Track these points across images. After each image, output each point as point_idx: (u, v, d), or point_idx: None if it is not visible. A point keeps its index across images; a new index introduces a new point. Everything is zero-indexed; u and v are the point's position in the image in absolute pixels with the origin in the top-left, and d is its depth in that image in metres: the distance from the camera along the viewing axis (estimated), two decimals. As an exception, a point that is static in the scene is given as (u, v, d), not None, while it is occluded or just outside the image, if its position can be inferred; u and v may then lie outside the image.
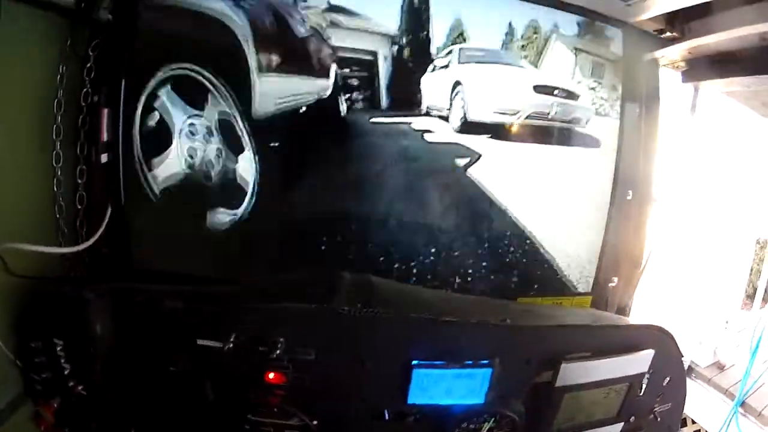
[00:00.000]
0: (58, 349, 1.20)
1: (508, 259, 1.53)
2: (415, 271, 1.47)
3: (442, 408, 1.14)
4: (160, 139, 1.42)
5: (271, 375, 1.12)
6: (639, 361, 1.26)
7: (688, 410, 4.12)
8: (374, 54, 1.41)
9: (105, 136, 1.38)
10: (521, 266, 1.54)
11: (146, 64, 1.38)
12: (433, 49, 1.42)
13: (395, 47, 1.41)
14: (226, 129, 1.45)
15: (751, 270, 4.32)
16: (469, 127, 1.50)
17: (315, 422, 1.13)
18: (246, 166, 1.47)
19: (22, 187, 1.28)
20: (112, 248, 1.43)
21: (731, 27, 1.32)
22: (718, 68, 1.52)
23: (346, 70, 1.40)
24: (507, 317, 1.11)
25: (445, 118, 1.50)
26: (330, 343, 1.09)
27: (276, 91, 1.42)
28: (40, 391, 1.25)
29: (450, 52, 1.44)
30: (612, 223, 1.55)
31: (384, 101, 1.43)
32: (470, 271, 1.51)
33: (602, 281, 1.60)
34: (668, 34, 1.45)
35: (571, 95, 1.53)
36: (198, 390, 1.16)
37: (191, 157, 1.45)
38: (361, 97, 1.43)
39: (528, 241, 1.54)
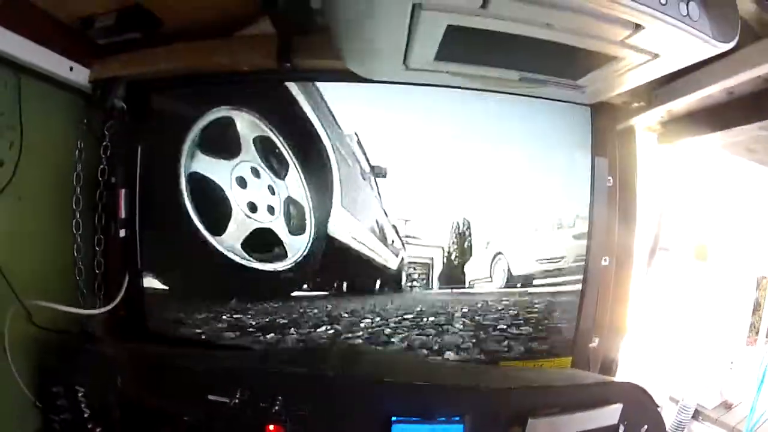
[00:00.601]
0: (80, 395, 1.35)
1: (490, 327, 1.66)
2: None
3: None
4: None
5: (272, 427, 1.28)
6: (607, 415, 1.35)
7: None
8: (431, 258, 1.65)
9: (123, 214, 1.51)
10: (502, 333, 1.65)
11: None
12: (474, 252, 1.65)
13: (446, 253, 1.64)
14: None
15: (759, 306, 4.24)
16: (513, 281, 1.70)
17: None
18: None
19: (46, 251, 1.44)
20: (129, 311, 1.56)
21: (696, 89, 1.38)
22: (690, 128, 1.59)
23: (411, 269, 1.65)
24: (478, 382, 1.25)
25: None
26: (321, 402, 1.25)
27: (351, 227, 1.59)
28: (58, 430, 1.39)
29: (488, 243, 1.66)
30: (587, 288, 1.65)
31: (435, 285, 1.66)
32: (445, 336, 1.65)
33: (581, 343, 1.67)
34: (635, 105, 1.54)
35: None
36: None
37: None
38: (418, 284, 1.65)
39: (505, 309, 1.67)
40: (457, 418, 1.24)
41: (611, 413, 1.35)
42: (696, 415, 4.04)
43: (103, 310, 1.50)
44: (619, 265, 1.68)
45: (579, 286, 1.66)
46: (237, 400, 1.26)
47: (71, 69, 1.39)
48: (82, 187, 1.50)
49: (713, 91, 1.36)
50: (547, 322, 1.68)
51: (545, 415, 1.29)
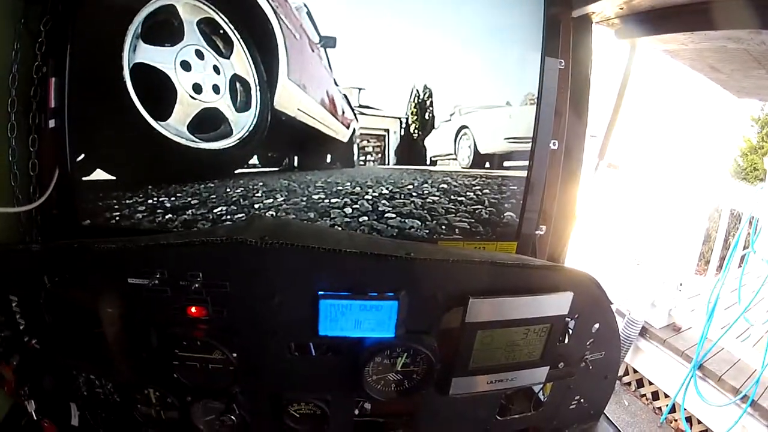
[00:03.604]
0: (14, 305, 1.28)
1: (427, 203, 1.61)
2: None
3: (355, 341, 1.19)
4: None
5: (193, 309, 1.18)
6: (556, 303, 1.27)
7: (644, 370, 4.18)
8: (386, 130, 1.62)
9: (52, 103, 1.44)
10: (440, 211, 1.60)
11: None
12: (436, 123, 1.60)
13: (404, 125, 1.60)
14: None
15: (709, 237, 4.33)
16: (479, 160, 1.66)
17: (235, 355, 1.20)
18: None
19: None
20: (61, 209, 1.50)
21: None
22: (651, 24, 1.53)
23: (364, 142, 1.61)
24: (412, 252, 1.15)
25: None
26: (241, 275, 1.14)
27: (298, 99, 1.55)
28: (1, 352, 1.33)
29: (452, 114, 1.60)
30: (534, 170, 1.57)
31: (391, 160, 1.63)
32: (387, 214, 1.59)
33: (527, 228, 1.61)
34: (596, -12, 1.47)
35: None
36: (132, 329, 1.23)
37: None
38: (371, 158, 1.62)
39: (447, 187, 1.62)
40: (391, 294, 1.15)
41: (562, 301, 1.28)
42: (643, 332, 4.14)
43: (29, 206, 1.45)
44: (568, 152, 1.61)
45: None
46: (156, 281, 1.15)
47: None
48: (17, 89, 1.42)
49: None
50: (494, 202, 1.62)
51: (489, 295, 1.20)
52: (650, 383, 4.32)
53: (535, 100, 1.56)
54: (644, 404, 4.29)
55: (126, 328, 1.23)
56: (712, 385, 3.75)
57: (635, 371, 4.44)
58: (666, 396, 4.14)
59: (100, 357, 1.28)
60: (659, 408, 4.21)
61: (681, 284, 4.24)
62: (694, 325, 4.12)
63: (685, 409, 3.86)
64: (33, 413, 1.40)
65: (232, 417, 1.30)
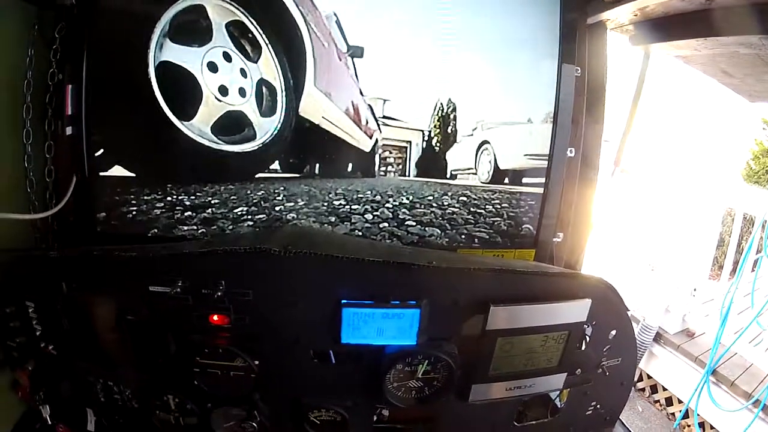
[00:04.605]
0: (30, 311, 1.28)
1: (447, 214, 1.61)
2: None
3: (376, 349, 1.20)
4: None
5: (215, 317, 1.19)
6: (575, 310, 1.28)
7: (658, 376, 4.14)
8: (409, 142, 1.63)
9: (69, 110, 1.44)
10: (460, 222, 1.61)
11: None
12: (458, 137, 1.61)
13: (426, 137, 1.61)
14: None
15: (722, 241, 4.29)
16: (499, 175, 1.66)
17: (257, 363, 1.21)
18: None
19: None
20: (78, 216, 1.50)
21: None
22: (665, 31, 1.54)
23: (386, 153, 1.63)
24: (433, 260, 1.16)
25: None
26: (264, 284, 1.16)
27: (323, 107, 1.56)
28: (16, 357, 1.35)
29: (474, 129, 1.61)
30: (552, 178, 1.58)
31: (412, 171, 1.64)
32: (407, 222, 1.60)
33: (545, 236, 1.61)
34: (610, -5, 1.47)
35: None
36: (153, 337, 1.24)
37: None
38: (392, 169, 1.63)
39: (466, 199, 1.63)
40: (413, 303, 1.15)
41: (580, 308, 1.28)
42: (657, 338, 4.11)
43: (46, 213, 1.44)
44: (584, 159, 1.61)
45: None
46: (178, 289, 1.16)
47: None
48: (33, 95, 1.43)
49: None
50: (512, 215, 1.63)
51: (509, 302, 1.20)
52: (664, 389, 4.28)
53: (556, 118, 1.57)
54: (658, 410, 4.25)
55: (146, 335, 1.25)
56: (724, 390, 3.72)
57: (649, 377, 4.40)
58: (679, 402, 4.10)
59: (118, 363, 1.30)
60: (672, 414, 4.18)
61: (695, 289, 4.21)
62: (708, 331, 4.09)
63: (698, 415, 3.82)
64: (48, 418, 1.41)
65: (253, 424, 1.30)
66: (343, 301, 1.14)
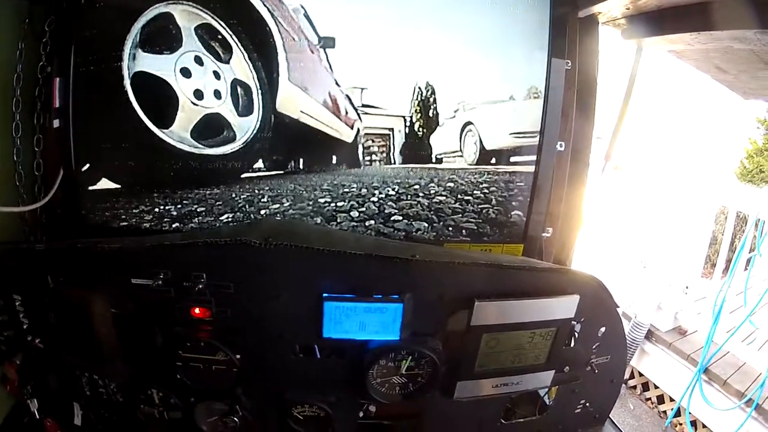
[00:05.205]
0: (17, 304, 1.27)
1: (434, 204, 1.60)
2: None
3: (359, 343, 1.19)
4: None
5: (197, 310, 1.18)
6: (563, 306, 1.26)
7: (650, 374, 4.16)
8: (391, 129, 1.61)
9: (57, 103, 1.43)
10: (447, 212, 1.59)
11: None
12: (441, 120, 1.58)
13: (408, 123, 1.59)
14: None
15: (715, 240, 4.30)
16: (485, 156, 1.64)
17: (239, 357, 1.19)
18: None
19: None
20: (65, 209, 1.49)
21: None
22: (658, 25, 1.52)
23: (369, 142, 1.61)
24: (417, 254, 1.14)
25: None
26: (246, 277, 1.14)
27: (300, 101, 1.55)
28: (4, 351, 1.34)
29: (456, 111, 1.59)
30: (541, 171, 1.56)
31: (397, 159, 1.62)
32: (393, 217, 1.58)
33: (534, 231, 1.59)
34: (601, -12, 1.45)
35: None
36: (137, 330, 1.23)
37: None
38: (377, 158, 1.61)
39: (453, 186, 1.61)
40: (396, 297, 1.14)
41: (568, 305, 1.27)
42: (649, 335, 4.12)
43: (34, 206, 1.44)
44: (575, 153, 1.60)
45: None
46: (160, 281, 1.15)
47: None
48: (22, 89, 1.42)
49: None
50: (501, 200, 1.61)
51: (494, 297, 1.19)
52: (656, 387, 4.29)
53: (539, 94, 1.55)
54: (649, 408, 4.26)
55: (129, 329, 1.23)
56: (717, 389, 3.73)
57: (641, 374, 4.41)
58: (671, 400, 4.11)
59: (103, 357, 1.28)
60: (664, 412, 4.18)
61: (687, 287, 4.22)
62: (700, 329, 4.10)
63: (690, 413, 3.83)
64: (36, 412, 1.40)
65: (235, 418, 1.29)
66: (324, 294, 1.12)
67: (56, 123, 1.45)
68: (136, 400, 1.34)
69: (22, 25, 1.41)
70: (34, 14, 1.42)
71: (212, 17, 1.46)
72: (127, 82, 1.42)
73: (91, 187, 1.49)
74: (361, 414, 1.36)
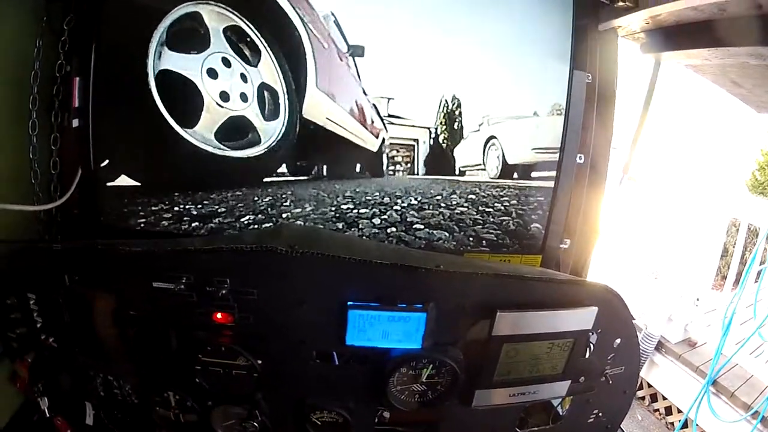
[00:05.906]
0: (32, 302, 1.27)
1: (456, 215, 1.61)
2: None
3: (381, 351, 1.19)
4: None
5: (219, 315, 1.18)
6: (581, 318, 1.27)
7: (658, 385, 4.13)
8: (416, 140, 1.62)
9: (76, 102, 1.44)
10: (468, 223, 1.60)
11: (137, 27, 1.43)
12: (465, 133, 1.60)
13: (433, 134, 1.60)
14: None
15: (726, 252, 4.28)
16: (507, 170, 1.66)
17: (260, 362, 1.20)
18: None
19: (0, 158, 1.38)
20: (82, 209, 1.50)
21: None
22: (676, 40, 1.53)
23: (393, 152, 1.62)
24: (441, 264, 1.15)
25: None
26: (270, 283, 1.15)
27: (327, 108, 1.56)
28: (16, 348, 1.34)
29: (480, 125, 1.61)
30: (560, 184, 1.57)
31: (420, 170, 1.64)
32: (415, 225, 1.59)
33: (552, 242, 1.60)
34: (621, 3, 1.46)
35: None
36: (154, 333, 1.23)
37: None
38: (401, 168, 1.63)
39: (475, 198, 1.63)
40: (420, 306, 1.15)
41: (586, 316, 1.27)
42: (659, 347, 4.10)
43: (50, 205, 1.45)
44: (593, 165, 1.61)
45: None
46: (182, 285, 1.15)
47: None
48: (40, 87, 1.42)
49: (702, 2, 1.29)
50: (521, 213, 1.62)
51: (515, 308, 1.20)
52: (664, 398, 4.27)
53: (562, 111, 1.56)
54: (657, 419, 4.24)
55: (148, 331, 1.24)
56: (724, 401, 3.71)
57: (650, 385, 4.39)
58: (679, 411, 4.09)
59: (119, 358, 1.29)
60: (672, 423, 4.16)
61: (698, 299, 4.21)
62: (710, 341, 4.08)
63: (697, 425, 3.81)
64: (46, 410, 1.41)
65: (254, 423, 1.30)
66: (349, 302, 1.13)
67: (75, 122, 1.46)
68: (152, 402, 1.34)
69: (41, 23, 1.42)
70: (52, 12, 1.43)
71: (241, 19, 1.48)
72: (151, 80, 1.43)
73: (109, 184, 1.49)
74: (375, 420, 1.36)
